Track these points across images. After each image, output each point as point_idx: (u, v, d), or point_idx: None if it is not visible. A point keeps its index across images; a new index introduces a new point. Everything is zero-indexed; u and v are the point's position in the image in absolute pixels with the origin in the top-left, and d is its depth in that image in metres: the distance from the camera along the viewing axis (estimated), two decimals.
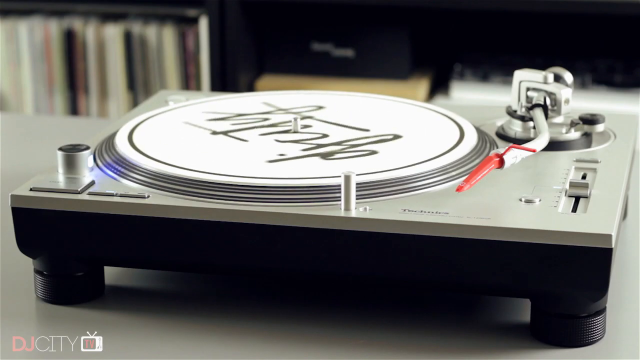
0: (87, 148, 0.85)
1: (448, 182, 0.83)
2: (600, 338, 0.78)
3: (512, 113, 0.94)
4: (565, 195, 0.80)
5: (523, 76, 0.94)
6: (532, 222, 0.76)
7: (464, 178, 0.82)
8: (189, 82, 2.32)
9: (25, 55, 2.38)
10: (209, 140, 0.90)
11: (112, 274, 0.88)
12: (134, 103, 2.35)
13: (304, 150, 0.87)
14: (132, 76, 2.35)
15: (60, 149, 0.85)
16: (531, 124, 0.93)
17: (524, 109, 0.93)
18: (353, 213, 0.77)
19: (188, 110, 0.99)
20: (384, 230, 0.77)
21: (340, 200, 0.79)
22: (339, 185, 0.79)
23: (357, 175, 0.79)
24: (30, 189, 0.82)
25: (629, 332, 0.80)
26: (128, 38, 2.33)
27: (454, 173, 0.84)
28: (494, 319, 0.82)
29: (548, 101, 0.92)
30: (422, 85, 2.22)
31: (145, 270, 0.89)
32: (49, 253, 0.83)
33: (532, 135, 0.92)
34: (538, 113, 0.91)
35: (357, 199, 0.79)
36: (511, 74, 0.98)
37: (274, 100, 1.02)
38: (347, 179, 0.77)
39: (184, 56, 2.31)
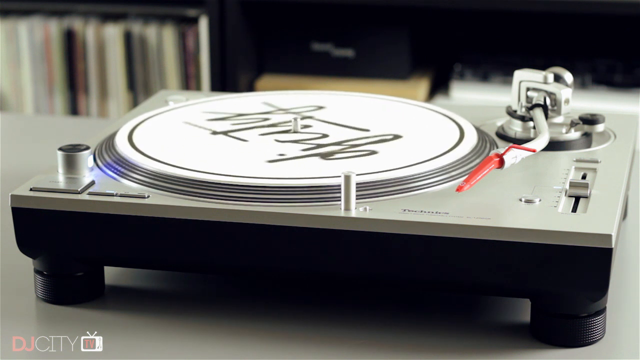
0: (87, 148, 0.85)
1: (448, 182, 0.83)
2: (600, 338, 0.78)
3: (512, 113, 0.94)
4: (565, 195, 0.80)
5: (523, 76, 0.94)
6: (532, 222, 0.76)
7: (464, 178, 0.82)
8: (189, 82, 2.32)
9: (25, 55, 2.38)
10: (209, 140, 0.90)
11: (112, 274, 0.88)
12: (134, 103, 2.35)
13: (304, 150, 0.87)
14: (132, 76, 2.35)
15: (60, 149, 0.85)
16: (531, 124, 0.93)
17: (524, 109, 0.93)
18: (353, 213, 0.77)
19: (188, 110, 0.99)
20: (384, 230, 0.77)
21: (340, 200, 0.79)
22: (339, 185, 0.79)
23: (357, 175, 0.79)
24: (30, 189, 0.82)
25: (629, 332, 0.80)
26: (128, 38, 2.33)
27: (454, 173, 0.84)
28: (494, 319, 0.82)
29: (548, 101, 0.92)
30: (422, 85, 2.22)
31: (145, 270, 0.89)
32: (49, 253, 0.83)
33: (532, 135, 0.92)
34: (538, 113, 0.91)
35: (357, 199, 0.79)
36: (511, 74, 0.98)
37: (274, 100, 1.02)
38: (347, 179, 0.77)
39: (184, 56, 2.31)
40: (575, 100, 0.95)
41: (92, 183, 0.83)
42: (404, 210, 0.78)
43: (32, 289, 0.86)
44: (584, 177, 0.85)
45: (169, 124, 0.95)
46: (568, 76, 0.95)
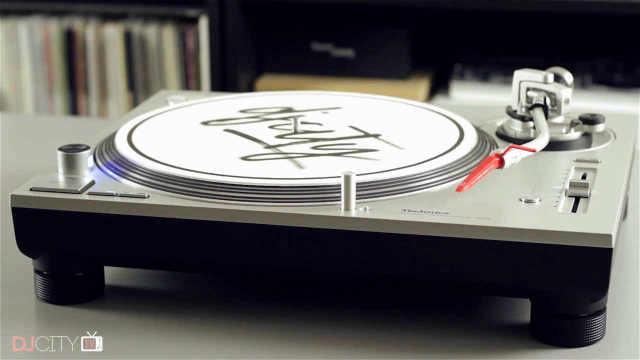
0: (87, 148, 0.85)
1: (448, 182, 0.83)
2: (600, 338, 0.78)
3: (512, 113, 0.94)
4: (565, 195, 0.80)
5: (523, 76, 0.94)
6: (532, 222, 0.76)
7: (464, 178, 0.82)
8: (189, 82, 2.32)
9: (25, 55, 2.38)
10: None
11: (112, 274, 0.88)
12: (134, 103, 2.35)
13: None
14: (132, 76, 2.35)
15: (60, 149, 0.85)
16: (531, 124, 0.93)
17: (524, 109, 0.93)
18: (353, 213, 0.77)
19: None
20: (384, 230, 0.77)
21: (340, 200, 0.79)
22: (339, 185, 0.79)
23: (357, 175, 0.79)
24: (30, 189, 0.82)
25: (629, 332, 0.80)
26: (128, 38, 2.33)
27: (454, 173, 0.84)
28: (494, 319, 0.82)
29: (548, 101, 0.92)
30: (422, 85, 2.22)
31: (145, 270, 0.89)
32: (49, 253, 0.83)
33: (532, 135, 0.92)
34: (538, 113, 0.91)
35: (357, 199, 0.79)
36: (511, 74, 0.98)
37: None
38: (347, 179, 0.77)
39: (184, 56, 2.31)
40: (575, 100, 0.95)
41: (92, 183, 0.83)
42: (404, 210, 0.78)
43: (32, 289, 0.86)
44: (584, 177, 0.85)
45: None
46: (568, 76, 0.95)
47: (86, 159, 0.85)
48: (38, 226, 0.82)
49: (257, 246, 0.79)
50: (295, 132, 0.92)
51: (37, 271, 0.84)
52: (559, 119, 0.93)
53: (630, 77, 2.13)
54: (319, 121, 0.95)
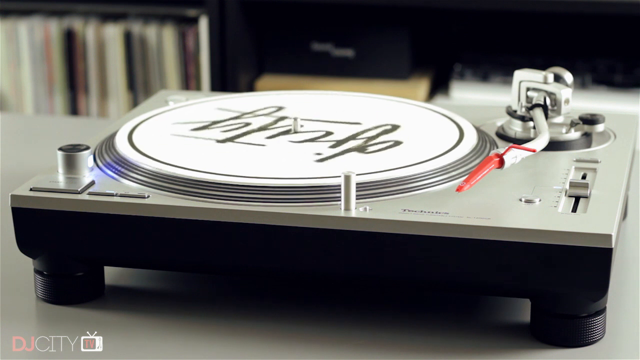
0: (87, 148, 0.85)
1: (448, 182, 0.83)
2: (600, 338, 0.78)
3: (512, 113, 0.94)
4: (565, 195, 0.80)
5: (523, 76, 0.94)
6: (532, 222, 0.76)
7: (464, 178, 0.82)
8: (189, 82, 2.32)
9: (25, 55, 2.38)
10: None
11: (112, 274, 0.88)
12: (134, 103, 2.35)
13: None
14: (132, 76, 2.35)
15: (60, 149, 0.85)
16: (531, 124, 0.93)
17: (524, 109, 0.93)
18: (353, 213, 0.77)
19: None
20: (384, 230, 0.77)
21: (340, 200, 0.79)
22: (339, 185, 0.79)
23: (357, 175, 0.79)
24: (30, 189, 0.82)
25: (629, 332, 0.80)
26: (128, 38, 2.33)
27: (454, 173, 0.84)
28: (494, 319, 0.82)
29: (548, 101, 0.92)
30: (422, 85, 2.22)
31: (145, 270, 0.89)
32: (49, 253, 0.83)
33: (532, 135, 0.92)
34: (538, 113, 0.91)
35: (357, 199, 0.79)
36: (511, 74, 0.98)
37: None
38: (347, 179, 0.77)
39: (184, 56, 2.31)
40: (575, 100, 0.95)
41: (92, 183, 0.83)
42: (404, 210, 0.78)
43: (32, 289, 0.86)
44: (584, 177, 0.85)
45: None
46: (568, 76, 0.95)
47: (86, 159, 0.85)
48: (38, 226, 0.82)
49: (257, 246, 0.79)
50: (295, 132, 0.92)
51: (37, 271, 0.84)
52: (559, 119, 0.93)
53: (630, 77, 2.13)
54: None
